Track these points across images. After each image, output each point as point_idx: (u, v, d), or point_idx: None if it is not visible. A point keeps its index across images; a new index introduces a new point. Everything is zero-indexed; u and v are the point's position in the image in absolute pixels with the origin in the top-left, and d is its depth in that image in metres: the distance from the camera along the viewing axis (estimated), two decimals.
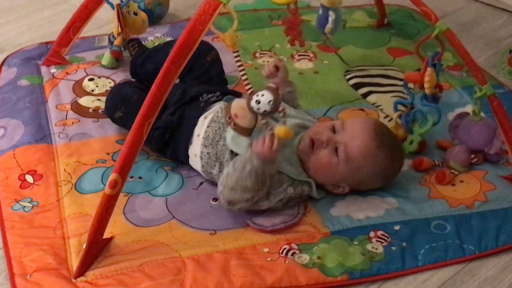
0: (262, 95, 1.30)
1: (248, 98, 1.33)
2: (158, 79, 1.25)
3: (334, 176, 1.40)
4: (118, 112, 1.56)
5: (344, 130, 1.40)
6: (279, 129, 1.31)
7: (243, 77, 1.37)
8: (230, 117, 1.34)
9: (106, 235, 1.31)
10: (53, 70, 1.85)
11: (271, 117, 1.34)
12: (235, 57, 1.37)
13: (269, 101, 1.29)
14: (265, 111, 1.30)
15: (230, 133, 1.40)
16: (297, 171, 1.40)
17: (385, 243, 1.35)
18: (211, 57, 1.65)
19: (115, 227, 1.36)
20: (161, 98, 1.25)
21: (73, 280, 1.26)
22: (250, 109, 1.32)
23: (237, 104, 1.35)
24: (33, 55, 1.92)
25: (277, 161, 1.37)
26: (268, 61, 1.89)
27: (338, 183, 1.42)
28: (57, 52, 1.87)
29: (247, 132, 1.35)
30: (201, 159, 1.45)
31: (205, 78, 1.63)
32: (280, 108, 1.31)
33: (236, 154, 1.39)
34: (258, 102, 1.30)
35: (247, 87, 1.36)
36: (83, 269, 1.27)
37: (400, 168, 1.47)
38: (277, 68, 1.58)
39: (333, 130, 1.41)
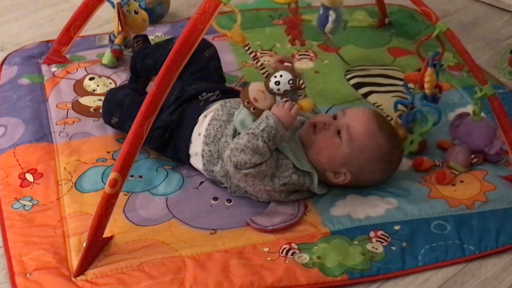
0: (281, 76, 1.34)
1: (266, 81, 1.35)
2: (158, 78, 1.24)
3: (336, 158, 1.39)
4: (114, 118, 1.56)
5: (345, 115, 1.42)
6: (303, 101, 1.36)
7: (259, 64, 1.38)
8: (248, 102, 1.36)
9: (106, 234, 1.30)
10: (53, 69, 1.85)
11: (291, 95, 1.36)
12: (246, 50, 1.37)
13: (289, 80, 1.33)
14: (285, 90, 1.34)
15: (239, 116, 1.40)
16: (301, 162, 1.39)
17: (385, 243, 1.35)
18: (209, 53, 1.65)
19: (115, 226, 1.36)
20: (161, 97, 1.25)
21: (73, 279, 1.26)
22: (270, 91, 1.35)
23: (255, 88, 1.37)
24: (34, 54, 1.91)
25: (285, 146, 1.37)
26: (269, 61, 1.87)
27: (339, 169, 1.41)
28: (57, 50, 1.86)
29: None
30: (203, 157, 1.45)
31: (203, 75, 1.62)
32: (302, 86, 1.35)
33: None
34: (277, 83, 1.34)
35: (262, 71, 1.37)
36: (83, 268, 1.27)
37: (399, 159, 1.47)
38: (281, 61, 1.56)
39: (335, 117, 1.43)
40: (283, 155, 1.38)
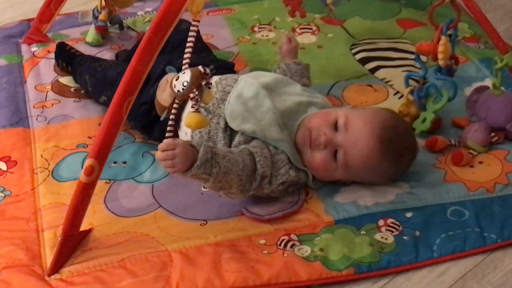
0: (184, 73, 1.17)
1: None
2: (138, 52, 1.15)
3: (332, 177, 1.35)
4: (103, 97, 1.52)
5: (347, 130, 1.31)
6: (186, 117, 1.17)
7: (188, 44, 1.19)
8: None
9: (84, 226, 1.24)
10: (34, 48, 1.81)
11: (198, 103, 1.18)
12: (192, 26, 1.19)
13: (184, 82, 1.16)
14: (178, 91, 1.17)
15: (228, 108, 1.32)
16: (296, 157, 1.33)
17: (396, 232, 1.28)
18: (186, 25, 1.55)
19: (94, 218, 1.29)
20: (142, 74, 1.16)
21: (47, 278, 1.19)
22: (170, 85, 1.19)
23: (168, 76, 1.23)
24: (14, 33, 1.88)
25: (275, 139, 1.29)
26: (267, 35, 1.86)
27: (336, 180, 1.37)
28: (38, 29, 1.82)
29: (160, 109, 1.21)
30: (192, 138, 1.37)
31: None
32: (192, 95, 1.16)
33: (230, 133, 1.31)
34: (177, 78, 1.18)
35: (185, 55, 1.19)
36: (57, 266, 1.20)
37: (409, 165, 1.38)
38: (289, 40, 1.56)
39: (335, 126, 1.32)
40: (277, 149, 1.30)
